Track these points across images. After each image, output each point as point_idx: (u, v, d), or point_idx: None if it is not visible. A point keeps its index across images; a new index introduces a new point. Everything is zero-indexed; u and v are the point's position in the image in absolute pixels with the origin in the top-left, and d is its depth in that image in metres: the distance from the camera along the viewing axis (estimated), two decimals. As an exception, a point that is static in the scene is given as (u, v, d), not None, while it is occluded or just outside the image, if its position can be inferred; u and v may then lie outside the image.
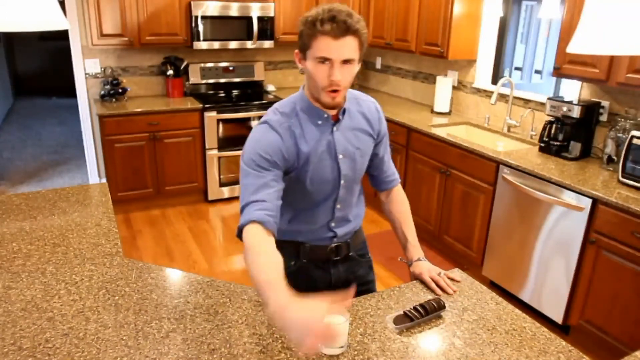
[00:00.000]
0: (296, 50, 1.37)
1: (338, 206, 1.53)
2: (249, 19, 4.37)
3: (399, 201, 1.71)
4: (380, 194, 1.75)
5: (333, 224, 1.55)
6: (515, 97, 3.60)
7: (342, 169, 1.47)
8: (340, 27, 1.25)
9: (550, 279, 2.75)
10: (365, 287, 1.71)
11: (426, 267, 1.58)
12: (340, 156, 1.46)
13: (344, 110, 1.45)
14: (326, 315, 1.02)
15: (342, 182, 1.49)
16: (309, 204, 1.50)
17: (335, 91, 1.33)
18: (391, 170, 1.71)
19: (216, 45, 4.36)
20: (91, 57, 4.30)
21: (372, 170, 1.67)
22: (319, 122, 1.42)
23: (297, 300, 1.05)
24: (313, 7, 1.33)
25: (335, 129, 1.44)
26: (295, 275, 1.49)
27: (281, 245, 1.49)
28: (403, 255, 1.68)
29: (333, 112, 1.44)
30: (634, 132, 2.52)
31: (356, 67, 1.36)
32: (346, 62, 1.30)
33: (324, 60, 1.29)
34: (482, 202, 3.16)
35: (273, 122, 1.40)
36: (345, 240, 1.61)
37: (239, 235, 1.29)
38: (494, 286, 3.17)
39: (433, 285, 1.53)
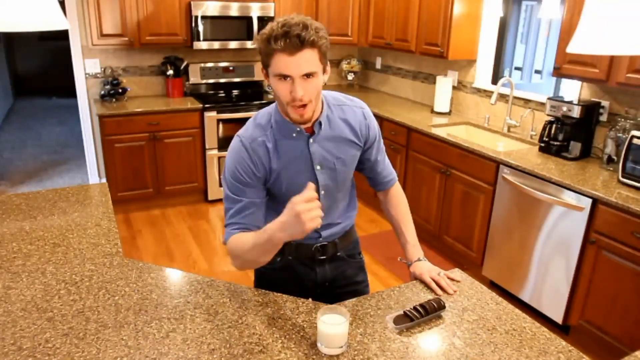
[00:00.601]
0: (262, 68, 1.34)
1: (324, 215, 1.51)
2: (249, 18, 4.37)
3: (398, 201, 1.70)
4: (378, 193, 1.75)
5: (318, 234, 1.55)
6: (515, 97, 3.60)
7: (320, 179, 1.46)
8: (294, 42, 1.21)
9: (550, 279, 2.75)
10: (354, 287, 1.70)
11: (426, 267, 1.58)
12: (318, 167, 1.44)
13: (320, 123, 1.42)
14: (298, 201, 1.17)
15: (321, 192, 1.47)
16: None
17: (302, 106, 1.30)
18: (387, 171, 1.69)
19: (216, 45, 4.36)
20: (91, 57, 4.30)
21: (367, 173, 1.67)
22: (294, 134, 1.40)
23: (276, 223, 1.23)
24: (285, 16, 1.28)
25: (311, 141, 1.42)
26: (281, 271, 1.55)
27: None
28: (403, 256, 1.68)
29: (306, 126, 1.40)
30: (634, 132, 2.52)
31: (320, 79, 1.31)
32: (308, 76, 1.26)
33: (284, 77, 1.26)
34: (482, 202, 3.16)
35: (245, 139, 1.40)
36: (332, 240, 1.60)
37: (224, 243, 1.40)
38: (494, 286, 3.17)
39: (434, 285, 1.53)
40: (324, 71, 1.34)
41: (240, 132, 1.43)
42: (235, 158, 1.39)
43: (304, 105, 1.30)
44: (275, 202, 1.47)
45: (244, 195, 1.40)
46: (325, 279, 1.63)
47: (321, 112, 1.42)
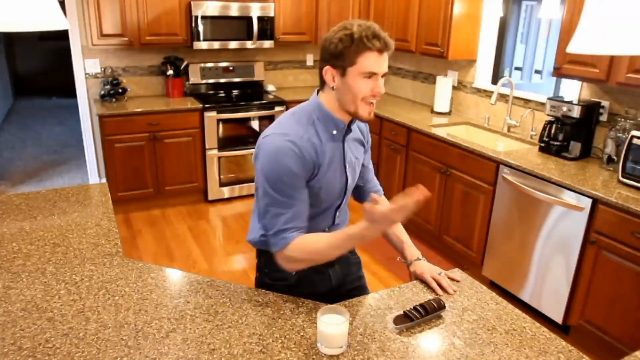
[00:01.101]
0: (326, 67, 1.35)
1: (338, 214, 1.56)
2: (249, 19, 4.37)
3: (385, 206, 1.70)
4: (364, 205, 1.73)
5: (328, 230, 1.56)
6: (515, 97, 3.60)
7: (349, 179, 1.52)
8: (383, 42, 1.32)
9: (550, 279, 2.75)
10: (359, 282, 1.75)
11: (427, 267, 1.59)
12: (347, 166, 1.50)
13: (353, 121, 1.48)
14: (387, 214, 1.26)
15: (347, 190, 1.54)
16: (315, 212, 1.49)
17: (372, 103, 1.37)
18: (375, 181, 1.74)
19: (216, 45, 4.36)
20: (91, 57, 4.30)
21: (360, 180, 1.68)
22: (334, 132, 1.43)
23: (364, 221, 1.29)
24: (342, 24, 1.34)
25: (345, 140, 1.47)
26: (297, 285, 1.52)
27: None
28: (400, 256, 1.69)
29: (346, 122, 1.44)
30: (634, 132, 2.52)
31: None
32: (383, 75, 1.36)
33: (369, 75, 1.33)
34: (482, 202, 3.16)
35: (292, 137, 1.35)
36: None
37: (276, 251, 1.40)
38: (494, 286, 3.17)
39: (434, 285, 1.53)
40: None
41: (280, 130, 1.37)
42: (284, 159, 1.33)
43: (373, 103, 1.38)
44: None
45: (298, 197, 1.37)
46: (338, 282, 1.64)
47: None
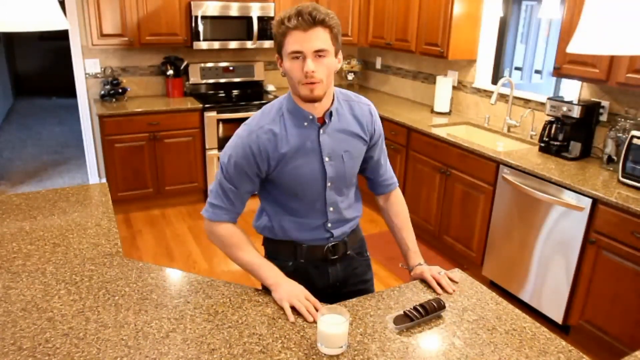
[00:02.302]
0: (276, 55, 1.40)
1: (331, 209, 1.53)
2: (249, 18, 4.37)
3: (399, 209, 1.71)
4: (377, 198, 1.75)
5: (329, 225, 1.55)
6: (515, 97, 3.60)
7: (328, 171, 1.47)
8: (306, 19, 1.28)
9: (550, 279, 2.75)
10: (364, 285, 1.71)
11: (427, 267, 1.59)
12: (326, 158, 1.46)
13: (330, 113, 1.45)
14: (305, 292, 1.41)
15: (328, 184, 1.49)
16: (299, 205, 1.51)
17: (312, 83, 1.33)
18: (389, 174, 1.70)
19: (216, 45, 4.36)
20: (91, 57, 4.30)
21: (369, 173, 1.68)
22: (305, 123, 1.43)
23: (285, 278, 1.46)
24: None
25: (322, 131, 1.44)
26: (293, 276, 1.50)
27: (278, 246, 1.57)
28: (403, 261, 1.69)
29: (319, 114, 1.43)
30: (634, 132, 2.52)
31: (332, 60, 1.36)
32: (319, 53, 1.31)
33: (297, 54, 1.31)
34: (482, 202, 3.16)
35: (253, 126, 1.43)
36: (342, 239, 1.60)
37: (206, 220, 1.51)
38: (494, 286, 3.17)
39: (434, 284, 1.53)
40: (336, 55, 1.37)
41: (248, 121, 1.46)
42: (239, 147, 1.41)
43: (314, 83, 1.33)
44: (276, 191, 1.51)
45: (239, 185, 1.46)
46: (337, 279, 1.64)
47: (332, 103, 1.46)
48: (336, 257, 1.60)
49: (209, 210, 1.50)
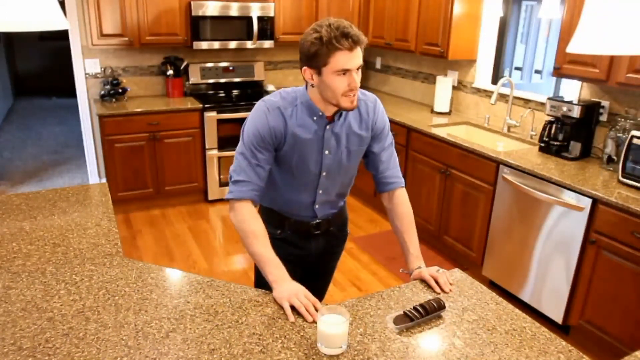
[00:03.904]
0: (304, 68, 1.48)
1: (320, 191, 1.68)
2: (249, 18, 4.37)
3: (403, 212, 1.72)
4: (381, 196, 1.76)
5: (317, 206, 1.71)
6: (515, 97, 3.60)
7: (325, 163, 1.62)
8: (353, 39, 1.40)
9: (550, 279, 2.75)
10: (336, 255, 1.95)
11: (425, 268, 1.60)
12: (326, 152, 1.60)
13: (340, 114, 1.58)
14: (305, 292, 1.43)
15: (323, 173, 1.64)
16: (292, 183, 1.66)
17: (353, 95, 1.48)
18: (390, 172, 1.72)
19: (216, 45, 4.36)
20: (91, 57, 4.30)
21: (370, 167, 1.74)
22: (314, 117, 1.56)
23: (288, 278, 1.47)
24: (313, 26, 1.44)
25: (327, 127, 1.57)
26: (280, 242, 1.72)
27: (268, 213, 1.72)
28: (404, 265, 1.70)
29: (329, 113, 1.56)
30: (634, 132, 2.52)
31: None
32: (358, 68, 1.46)
33: (344, 72, 1.43)
34: (482, 202, 3.16)
35: (269, 104, 1.55)
36: (327, 218, 1.76)
37: (229, 199, 1.57)
38: (494, 286, 3.17)
39: (432, 282, 1.54)
40: None
41: (266, 98, 1.58)
42: (260, 117, 1.53)
43: (354, 95, 1.48)
44: (275, 166, 1.63)
45: (260, 153, 1.54)
46: (319, 250, 1.83)
47: None
48: (319, 232, 1.77)
49: (233, 190, 1.56)
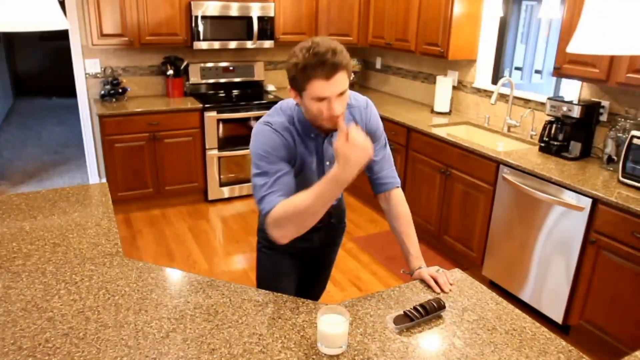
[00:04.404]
0: (289, 87, 1.44)
1: None
2: (249, 18, 4.37)
3: (400, 212, 1.72)
4: (378, 197, 1.76)
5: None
6: (515, 97, 3.60)
7: (327, 173, 1.53)
8: (329, 68, 1.32)
9: (550, 279, 2.75)
10: (336, 247, 1.97)
11: (425, 268, 1.60)
12: (327, 163, 1.60)
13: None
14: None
15: None
16: (298, 192, 1.61)
17: (334, 118, 1.40)
18: (385, 173, 1.72)
19: (216, 45, 4.36)
20: (91, 57, 4.30)
21: (365, 169, 1.72)
22: (312, 135, 1.54)
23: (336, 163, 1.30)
24: (297, 47, 1.37)
25: (325, 141, 1.57)
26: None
27: None
28: (404, 265, 1.70)
29: (323, 128, 1.52)
30: (634, 132, 2.52)
31: (348, 92, 1.43)
32: (340, 94, 1.38)
33: (321, 99, 1.37)
34: (482, 202, 3.16)
35: (276, 125, 1.50)
36: (328, 211, 1.69)
37: (265, 215, 1.44)
38: (494, 286, 3.17)
39: (432, 282, 1.55)
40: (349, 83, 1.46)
41: (267, 119, 1.52)
42: (266, 140, 1.47)
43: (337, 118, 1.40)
44: None
45: (280, 166, 1.47)
46: (320, 242, 1.84)
47: None
48: (321, 225, 1.70)
49: (263, 204, 1.44)
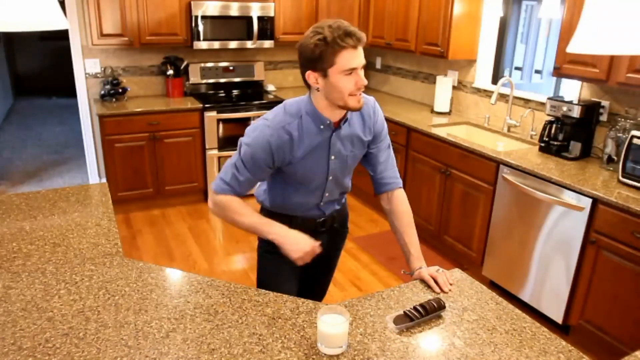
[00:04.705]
0: (308, 72, 1.47)
1: (327, 194, 1.72)
2: (249, 18, 4.37)
3: (401, 213, 1.72)
4: (380, 198, 1.76)
5: (322, 204, 1.75)
6: (515, 97, 3.60)
7: (331, 168, 1.64)
8: (357, 37, 1.41)
9: (550, 279, 2.75)
10: (338, 252, 1.99)
11: (426, 268, 1.60)
12: (332, 157, 1.62)
13: (346, 120, 1.59)
14: (310, 244, 1.55)
15: (329, 177, 1.67)
16: (301, 190, 1.68)
17: (360, 94, 1.49)
18: (388, 173, 1.73)
19: (216, 45, 4.36)
20: (91, 57, 4.30)
21: (369, 168, 1.76)
22: (321, 127, 1.55)
23: (291, 230, 1.58)
24: (313, 29, 1.43)
25: (334, 134, 1.58)
26: None
27: (276, 216, 1.72)
28: (405, 266, 1.70)
29: (335, 119, 1.56)
30: (634, 132, 2.52)
31: None
32: (363, 66, 1.46)
33: (350, 71, 1.42)
34: (482, 202, 3.16)
35: (275, 123, 1.53)
36: (331, 215, 1.80)
37: (213, 191, 1.63)
38: (494, 286, 3.17)
39: (432, 282, 1.55)
40: None
41: (269, 116, 1.56)
42: (260, 141, 1.52)
43: (360, 94, 1.49)
44: (285, 180, 1.66)
45: (254, 173, 1.57)
46: (323, 247, 1.78)
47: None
48: (324, 229, 1.80)
49: (217, 183, 1.61)
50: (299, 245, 1.54)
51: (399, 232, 1.70)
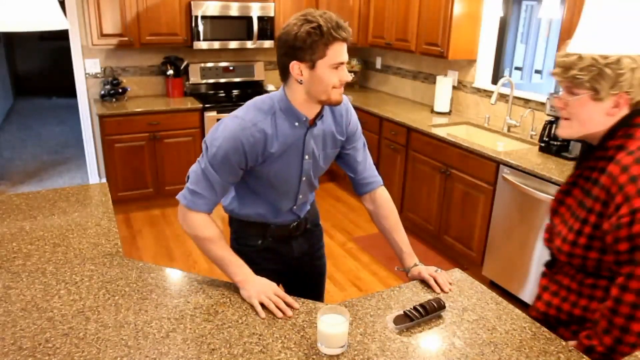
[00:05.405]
0: (293, 62, 1.36)
1: (300, 196, 1.64)
2: (249, 18, 4.37)
3: (387, 211, 1.69)
4: (362, 199, 1.74)
5: (295, 208, 1.66)
6: (515, 97, 3.60)
7: (305, 169, 1.56)
8: (348, 31, 1.36)
9: (550, 279, 2.75)
10: (319, 252, 1.87)
11: (424, 267, 1.60)
12: (306, 157, 1.54)
13: (322, 116, 1.52)
14: (274, 288, 1.43)
15: (303, 178, 1.59)
16: (274, 194, 1.60)
17: (341, 88, 1.43)
18: (368, 172, 1.70)
19: (216, 45, 4.36)
20: (91, 57, 4.30)
21: (348, 170, 1.71)
22: (296, 124, 1.47)
23: (254, 275, 1.47)
24: (301, 17, 1.34)
25: (308, 132, 1.50)
26: (262, 252, 1.69)
27: (248, 226, 1.66)
28: (399, 264, 1.69)
29: (311, 116, 1.48)
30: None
31: None
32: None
33: (338, 65, 1.37)
34: (482, 202, 3.16)
35: (247, 121, 1.42)
36: (304, 217, 1.73)
37: (183, 207, 1.48)
38: (494, 286, 3.17)
39: (432, 282, 1.54)
40: None
41: (239, 113, 1.44)
42: (231, 139, 1.40)
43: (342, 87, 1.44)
44: (253, 180, 1.56)
45: (224, 175, 1.45)
46: (300, 251, 1.77)
47: (322, 107, 1.52)
48: (299, 232, 1.73)
49: (188, 197, 1.46)
50: (260, 287, 1.42)
51: (388, 232, 1.68)
